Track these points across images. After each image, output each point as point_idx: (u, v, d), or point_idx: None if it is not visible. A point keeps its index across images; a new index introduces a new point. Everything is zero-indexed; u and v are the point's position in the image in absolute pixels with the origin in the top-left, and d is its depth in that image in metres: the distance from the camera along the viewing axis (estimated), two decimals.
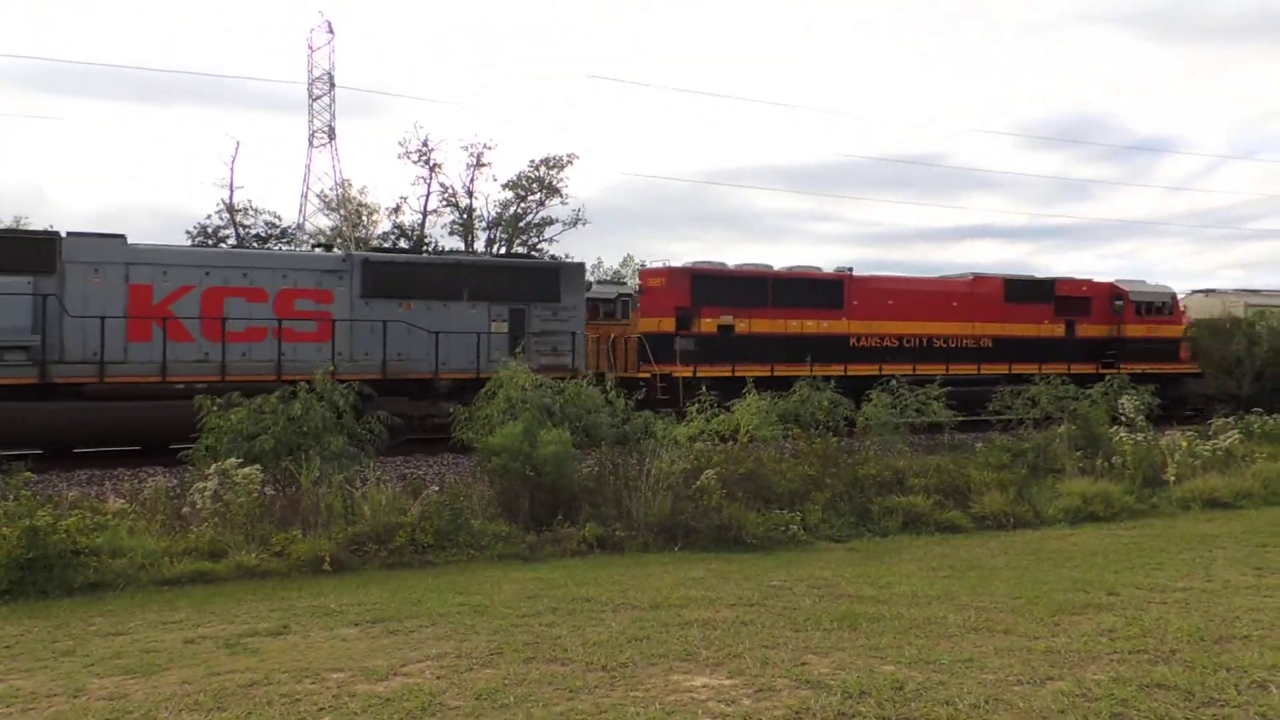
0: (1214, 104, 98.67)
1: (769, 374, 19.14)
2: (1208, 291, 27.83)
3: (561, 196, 42.40)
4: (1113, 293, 25.11)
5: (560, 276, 18.90)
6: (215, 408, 11.02)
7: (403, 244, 42.35)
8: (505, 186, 42.32)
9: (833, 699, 4.41)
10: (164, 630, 6.41)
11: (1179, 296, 26.82)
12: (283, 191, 69.73)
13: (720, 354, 20.16)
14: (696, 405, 12.77)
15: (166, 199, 68.08)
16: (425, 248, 41.44)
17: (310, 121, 41.46)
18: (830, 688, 4.58)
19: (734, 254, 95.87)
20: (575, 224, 42.94)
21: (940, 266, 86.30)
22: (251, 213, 41.83)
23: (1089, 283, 25.18)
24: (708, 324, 20.30)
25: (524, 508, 10.24)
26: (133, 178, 67.43)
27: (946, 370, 21.21)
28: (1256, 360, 23.16)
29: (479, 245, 42.55)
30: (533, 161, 42.34)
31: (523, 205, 42.80)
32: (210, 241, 38.27)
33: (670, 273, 21.20)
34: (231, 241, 38.87)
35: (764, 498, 10.86)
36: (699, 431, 12.38)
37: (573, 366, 17.47)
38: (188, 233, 40.08)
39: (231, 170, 40.61)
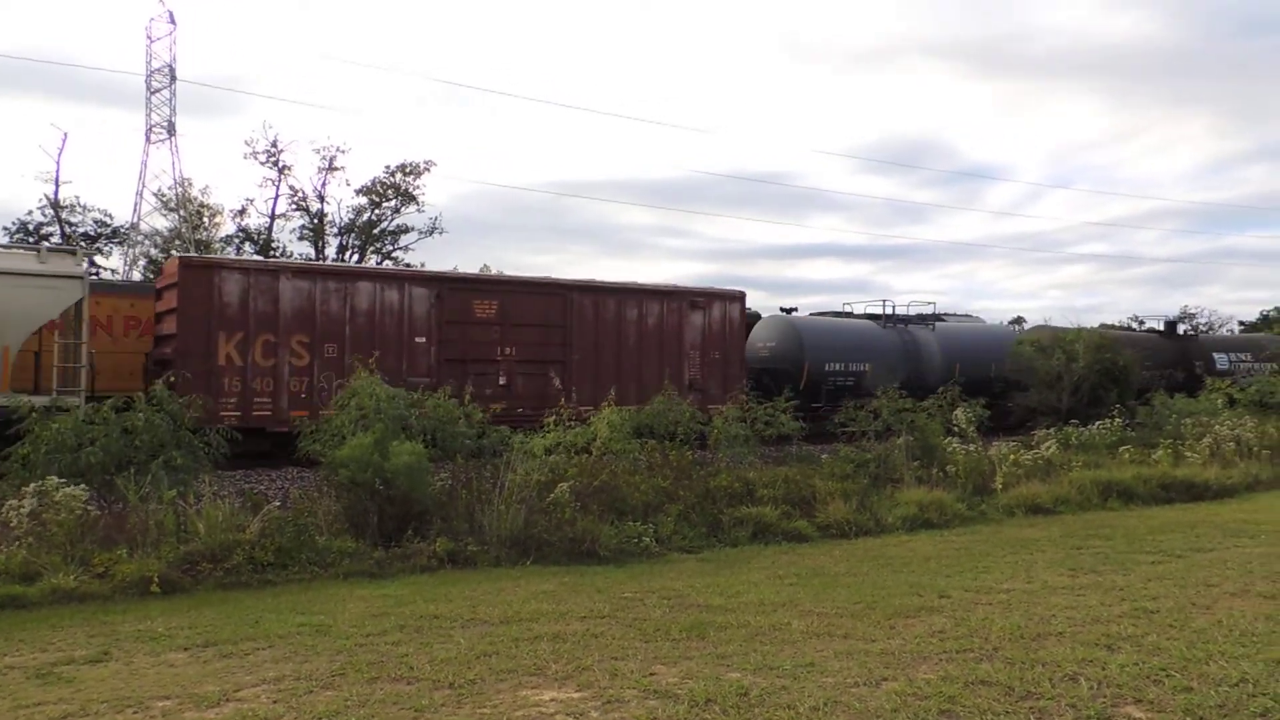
0: (1033, 135, 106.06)
1: None
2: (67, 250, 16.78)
3: (418, 204, 41.61)
4: None
5: None
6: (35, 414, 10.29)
7: (248, 248, 40.58)
8: (359, 192, 41.19)
9: (680, 708, 4.48)
10: None
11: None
12: (116, 189, 65.42)
13: None
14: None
15: None
16: (272, 252, 39.81)
17: (148, 116, 39.05)
18: (678, 697, 4.65)
19: (592, 269, 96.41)
20: (432, 233, 42.21)
21: (788, 283, 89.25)
22: (79, 209, 39.20)
23: None
24: None
25: (372, 523, 9.95)
26: None
27: None
28: (1074, 375, 24.83)
29: (330, 251, 41.19)
30: (388, 167, 41.43)
31: (377, 212, 41.75)
32: (32, 239, 35.52)
33: None
34: (56, 239, 36.19)
35: (618, 510, 10.90)
36: (555, 443, 12.35)
37: None
38: (6, 229, 37.18)
39: (58, 164, 37.90)
